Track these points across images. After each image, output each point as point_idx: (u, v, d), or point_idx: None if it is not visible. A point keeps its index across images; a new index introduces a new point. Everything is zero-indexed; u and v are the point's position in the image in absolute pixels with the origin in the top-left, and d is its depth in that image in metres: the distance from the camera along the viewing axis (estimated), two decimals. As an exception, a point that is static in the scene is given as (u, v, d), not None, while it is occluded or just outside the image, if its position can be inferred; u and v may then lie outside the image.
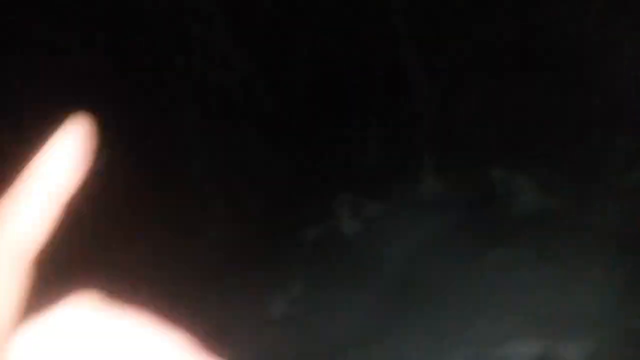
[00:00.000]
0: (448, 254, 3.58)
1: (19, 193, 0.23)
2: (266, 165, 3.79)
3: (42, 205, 0.23)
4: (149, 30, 2.74)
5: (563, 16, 3.31)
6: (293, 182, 4.21)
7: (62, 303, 0.26)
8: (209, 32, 2.90)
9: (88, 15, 2.63)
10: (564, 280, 2.89)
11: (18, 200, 0.23)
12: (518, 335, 2.62)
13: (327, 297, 3.82)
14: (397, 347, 2.88)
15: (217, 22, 2.88)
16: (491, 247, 3.43)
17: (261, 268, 4.15)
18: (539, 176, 3.32)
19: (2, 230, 0.22)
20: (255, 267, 4.14)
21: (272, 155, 3.75)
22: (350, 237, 4.17)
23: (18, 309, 0.23)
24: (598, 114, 3.51)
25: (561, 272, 2.98)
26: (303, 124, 3.63)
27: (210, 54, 3.01)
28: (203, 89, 3.11)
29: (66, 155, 0.24)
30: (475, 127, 3.80)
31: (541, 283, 2.93)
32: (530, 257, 3.26)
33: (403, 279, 3.58)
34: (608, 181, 3.28)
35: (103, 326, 0.25)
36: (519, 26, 3.32)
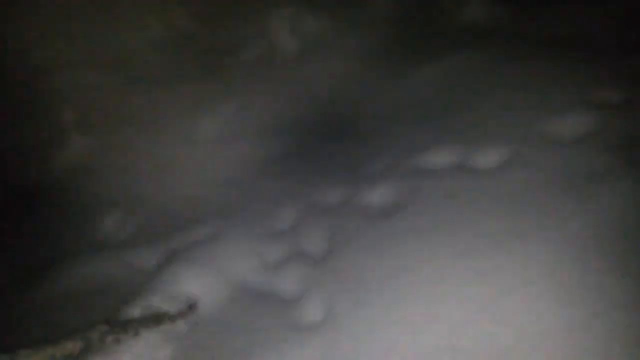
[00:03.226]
0: (383, 68, 3.41)
1: None
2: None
3: None
4: None
5: None
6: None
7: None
8: None
9: None
10: (491, 88, 2.81)
11: None
12: (434, 144, 2.60)
13: (258, 117, 3.72)
14: (319, 160, 2.87)
15: None
16: (426, 61, 3.26)
17: (195, 86, 3.97)
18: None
19: None
20: (189, 86, 3.96)
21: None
22: (288, 54, 3.93)
23: None
24: None
25: (492, 79, 2.88)
26: None
27: None
28: None
29: None
30: None
31: (466, 93, 2.85)
32: (461, 69, 3.12)
33: (331, 96, 3.46)
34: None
35: None
36: None
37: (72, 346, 1.63)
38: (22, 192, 3.60)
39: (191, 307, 2.06)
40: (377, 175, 2.59)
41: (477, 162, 2.47)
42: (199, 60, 4.75)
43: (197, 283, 2.12)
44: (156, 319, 1.94)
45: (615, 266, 1.67)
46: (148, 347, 1.89)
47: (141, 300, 2.02)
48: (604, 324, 1.55)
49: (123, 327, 1.81)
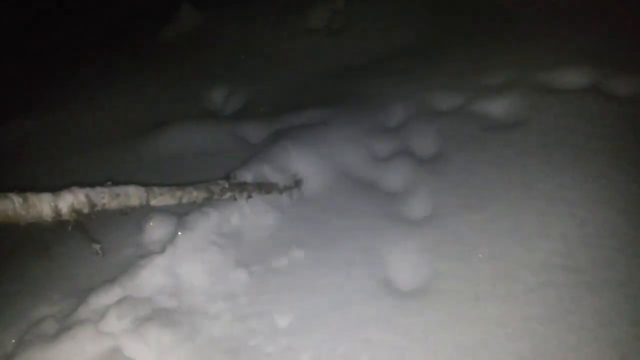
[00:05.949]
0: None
1: None
2: None
3: None
4: None
5: None
6: None
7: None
8: None
9: None
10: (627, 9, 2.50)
11: None
12: (568, 63, 2.38)
13: (370, 9, 3.55)
14: (438, 62, 2.74)
15: None
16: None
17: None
18: None
19: None
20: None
21: None
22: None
23: None
24: None
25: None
26: None
27: None
28: None
29: None
30: None
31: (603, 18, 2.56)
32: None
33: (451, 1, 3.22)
34: None
35: None
36: None
37: (196, 194, 1.74)
38: (135, 56, 3.73)
39: (297, 182, 2.12)
40: (497, 86, 2.44)
41: (614, 87, 2.27)
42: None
43: (304, 162, 2.16)
44: (267, 187, 2.02)
45: None
46: (255, 211, 1.99)
47: (253, 167, 2.10)
48: None
49: (240, 187, 1.90)
